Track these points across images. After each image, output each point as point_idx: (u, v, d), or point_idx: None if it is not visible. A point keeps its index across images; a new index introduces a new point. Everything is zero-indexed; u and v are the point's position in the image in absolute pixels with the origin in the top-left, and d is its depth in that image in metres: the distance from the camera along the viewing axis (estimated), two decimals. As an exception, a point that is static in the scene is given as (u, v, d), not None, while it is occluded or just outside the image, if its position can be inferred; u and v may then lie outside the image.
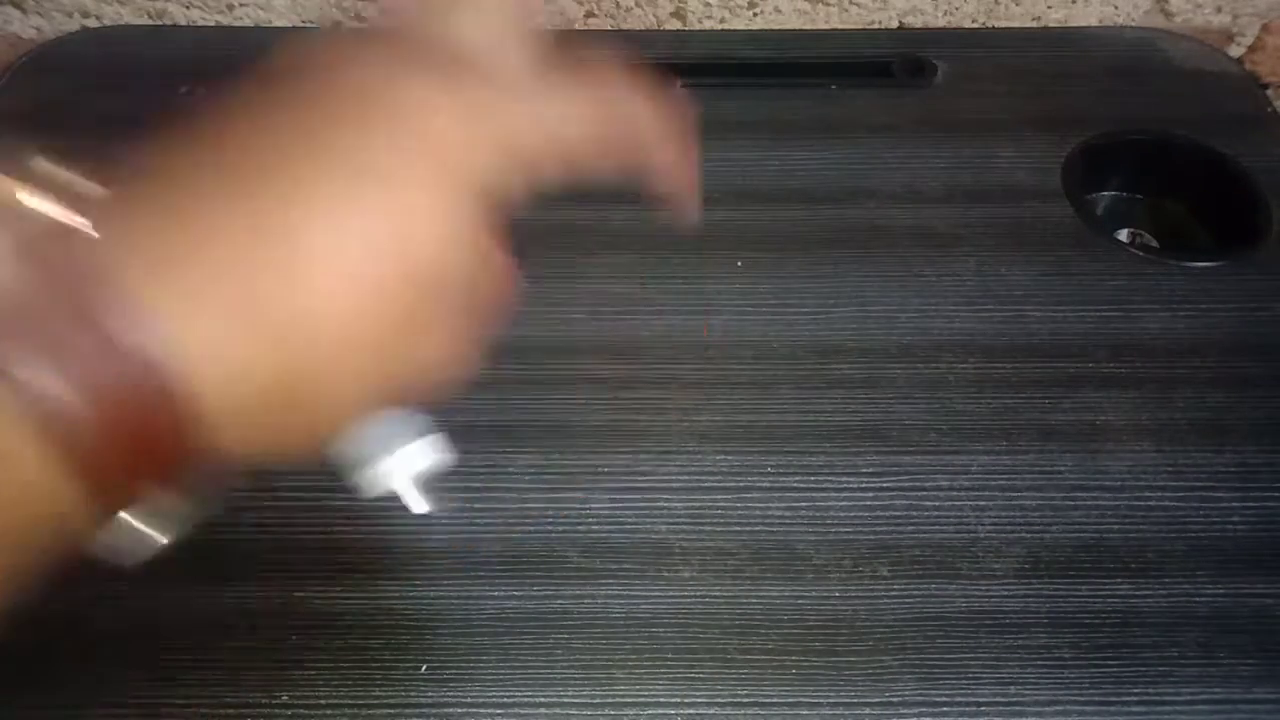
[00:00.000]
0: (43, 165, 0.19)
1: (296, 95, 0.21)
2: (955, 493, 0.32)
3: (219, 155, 0.20)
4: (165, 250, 0.18)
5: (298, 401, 0.19)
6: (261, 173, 0.19)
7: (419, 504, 0.25)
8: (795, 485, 0.33)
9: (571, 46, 0.24)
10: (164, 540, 0.19)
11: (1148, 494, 0.32)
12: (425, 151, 0.20)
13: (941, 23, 0.50)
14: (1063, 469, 0.33)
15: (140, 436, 0.17)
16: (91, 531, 0.18)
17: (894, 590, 0.30)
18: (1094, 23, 0.50)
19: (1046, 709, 0.28)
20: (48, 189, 0.18)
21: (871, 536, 0.31)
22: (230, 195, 0.19)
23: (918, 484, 0.33)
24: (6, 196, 0.18)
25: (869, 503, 0.32)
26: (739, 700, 0.28)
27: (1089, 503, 0.32)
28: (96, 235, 0.18)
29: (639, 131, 0.24)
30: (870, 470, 0.33)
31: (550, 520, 0.32)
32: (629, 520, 0.32)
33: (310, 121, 0.20)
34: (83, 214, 0.18)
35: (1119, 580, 0.31)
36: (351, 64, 0.21)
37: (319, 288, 0.19)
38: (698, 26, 0.50)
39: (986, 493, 0.32)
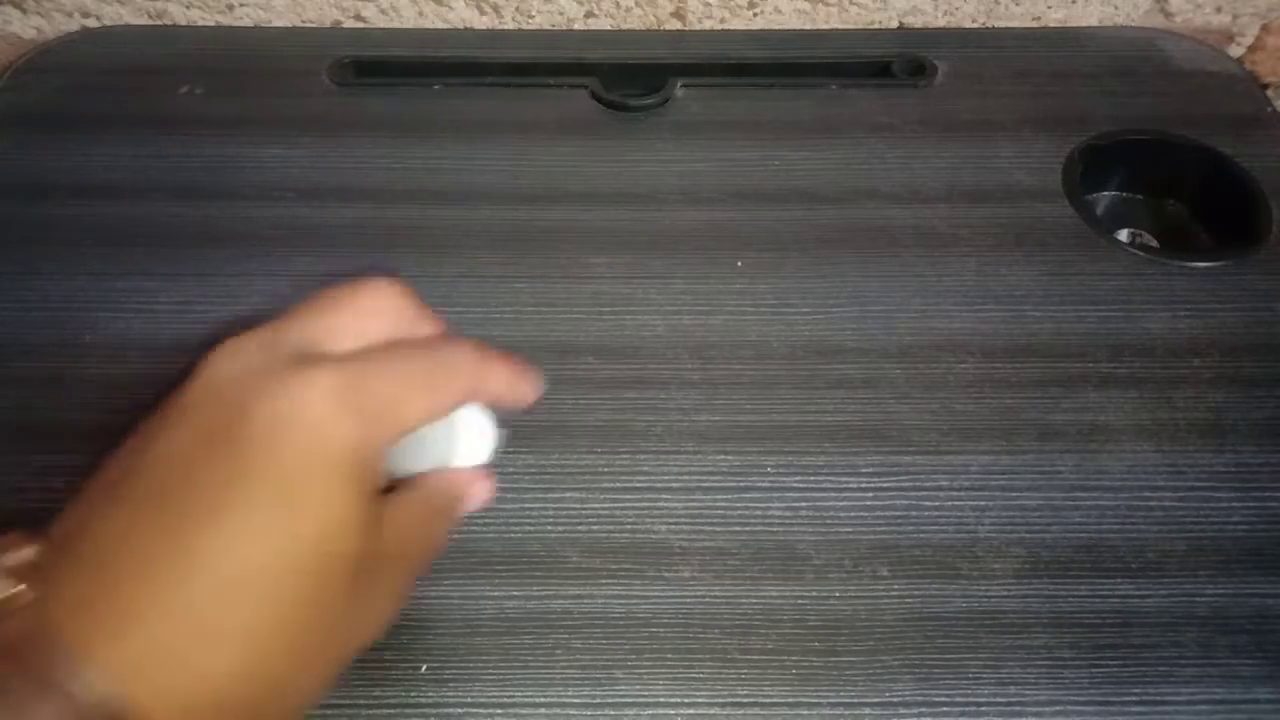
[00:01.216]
0: None
1: (207, 429, 0.21)
2: (955, 493, 0.32)
3: (128, 496, 0.21)
4: (102, 604, 0.19)
5: (250, 701, 0.20)
6: (170, 505, 0.20)
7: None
8: (795, 485, 0.33)
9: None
10: None
11: (1148, 494, 0.32)
12: (303, 451, 0.21)
13: (941, 23, 0.50)
14: (1063, 469, 0.33)
15: None
16: None
17: (894, 590, 0.30)
18: (1094, 23, 0.50)
19: (1046, 709, 0.28)
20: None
21: (871, 536, 0.31)
22: (145, 535, 0.20)
23: (918, 484, 0.33)
24: None
25: (869, 503, 0.32)
26: (739, 700, 0.28)
27: (1089, 503, 0.32)
28: (35, 601, 0.19)
29: (466, 371, 0.25)
30: (870, 470, 0.33)
31: (550, 520, 0.32)
32: (629, 520, 0.32)
33: (220, 455, 0.21)
34: (21, 581, 0.19)
35: (1119, 580, 0.31)
36: (249, 383, 0.22)
37: (238, 598, 0.20)
38: (698, 26, 0.50)
39: (986, 493, 0.32)
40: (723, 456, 0.33)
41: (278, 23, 0.49)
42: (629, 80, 0.46)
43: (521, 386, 0.26)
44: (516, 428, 0.34)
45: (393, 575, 0.24)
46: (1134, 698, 0.28)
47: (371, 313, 0.24)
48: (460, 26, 0.50)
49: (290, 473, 0.20)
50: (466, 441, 0.26)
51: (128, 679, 0.18)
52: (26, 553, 0.20)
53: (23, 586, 0.19)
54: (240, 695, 0.20)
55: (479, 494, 0.27)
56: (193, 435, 0.21)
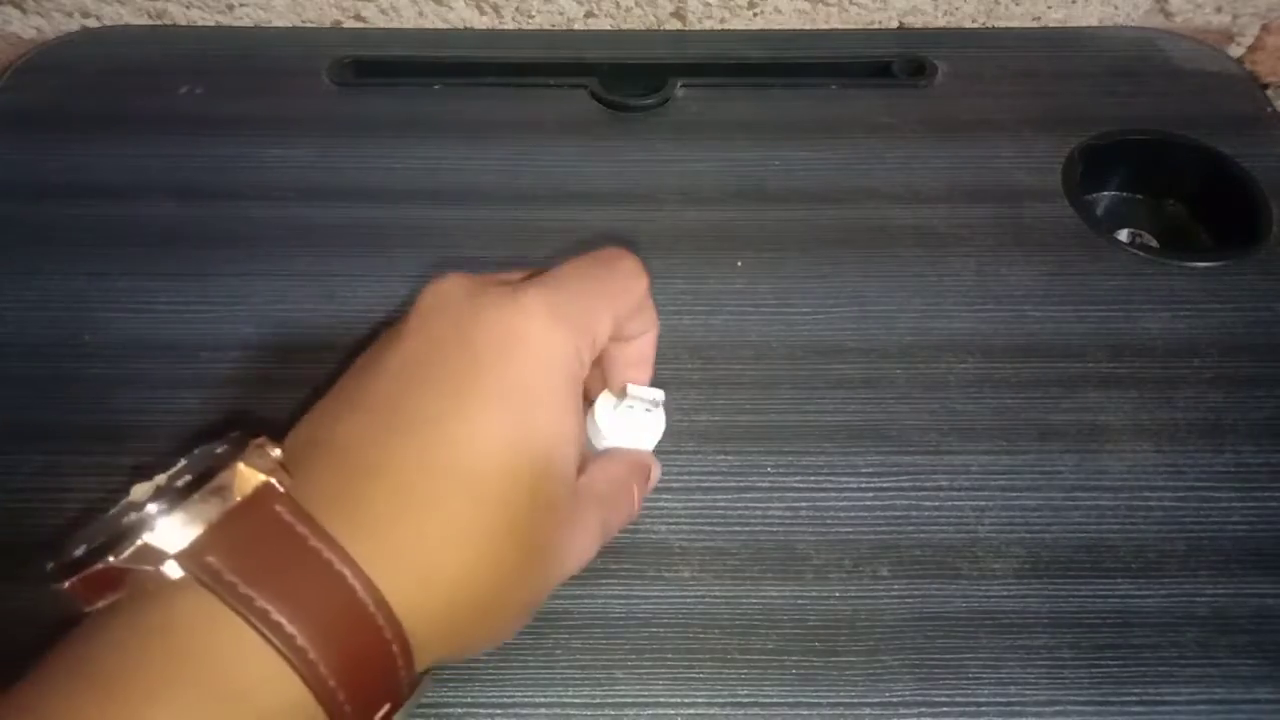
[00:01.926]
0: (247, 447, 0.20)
1: (439, 338, 0.23)
2: (955, 493, 0.32)
3: (364, 403, 0.22)
4: (350, 499, 0.20)
5: (479, 607, 0.21)
6: (408, 407, 0.21)
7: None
8: (795, 485, 0.33)
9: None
10: None
11: (1148, 494, 0.32)
12: (532, 363, 0.22)
13: (941, 23, 0.50)
14: (1063, 469, 0.33)
15: (366, 668, 0.19)
16: None
17: (894, 590, 0.30)
18: (1094, 23, 0.50)
19: (1046, 709, 0.28)
20: (254, 463, 0.20)
21: (871, 536, 0.31)
22: (386, 435, 0.21)
23: (918, 484, 0.33)
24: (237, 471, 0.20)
25: (869, 503, 0.32)
26: (739, 700, 0.28)
27: (1089, 503, 0.32)
28: (294, 495, 0.20)
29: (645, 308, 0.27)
30: (870, 470, 0.33)
31: (550, 520, 0.32)
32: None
33: (454, 360, 0.22)
34: (276, 475, 0.20)
35: (1119, 580, 0.31)
36: (469, 303, 0.23)
37: (481, 493, 0.20)
38: (698, 26, 0.50)
39: (986, 493, 0.32)
40: (723, 456, 0.33)
41: (278, 23, 0.49)
42: (629, 80, 0.46)
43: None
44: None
45: (598, 515, 0.25)
46: (1134, 698, 0.28)
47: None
48: (460, 26, 0.50)
49: (523, 379, 0.22)
50: (648, 427, 0.30)
51: (375, 571, 0.19)
52: (274, 450, 0.21)
53: (274, 479, 0.20)
54: (470, 595, 0.20)
55: (657, 474, 0.30)
56: (425, 345, 0.22)
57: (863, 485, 0.33)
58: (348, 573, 0.19)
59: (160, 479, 0.20)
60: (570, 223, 0.40)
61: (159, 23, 0.49)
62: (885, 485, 0.33)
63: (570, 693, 0.28)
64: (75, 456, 0.33)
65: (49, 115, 0.44)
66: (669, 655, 0.29)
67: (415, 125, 0.44)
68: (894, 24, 0.50)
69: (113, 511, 0.20)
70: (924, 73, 0.46)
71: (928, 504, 0.32)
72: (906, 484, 0.33)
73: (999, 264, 0.39)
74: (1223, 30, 0.51)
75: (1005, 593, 0.30)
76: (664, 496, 0.32)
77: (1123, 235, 0.42)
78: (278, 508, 0.19)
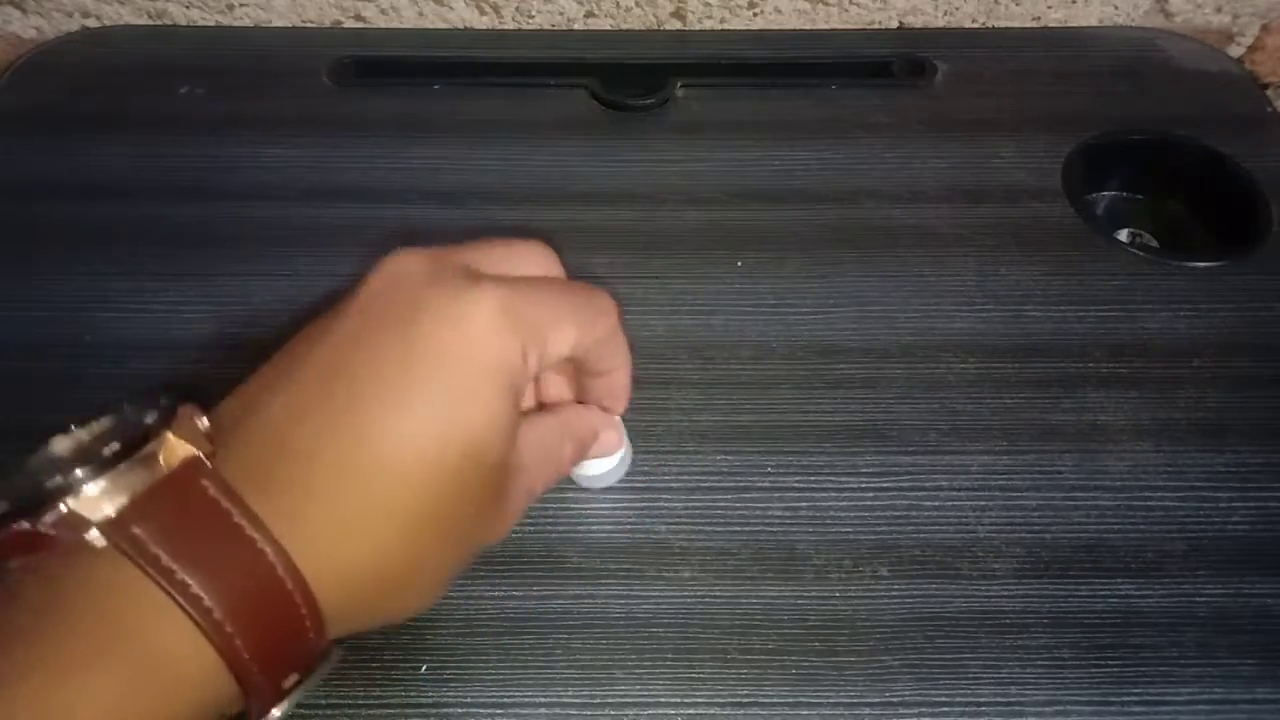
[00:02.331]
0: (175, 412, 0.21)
1: (382, 318, 0.22)
2: (955, 493, 0.32)
3: (301, 377, 0.22)
4: (280, 475, 0.20)
5: (393, 583, 0.22)
6: (344, 384, 0.21)
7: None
8: (795, 485, 0.33)
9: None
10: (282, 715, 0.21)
11: (1148, 494, 0.32)
12: (472, 354, 0.22)
13: (941, 23, 0.50)
14: (1063, 469, 0.33)
15: (280, 641, 0.19)
16: None
17: (894, 590, 0.30)
18: (1094, 23, 0.50)
19: (1046, 709, 0.28)
20: (182, 433, 0.20)
21: (871, 536, 0.31)
22: (320, 411, 0.21)
23: (918, 484, 0.33)
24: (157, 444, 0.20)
25: (869, 503, 0.32)
26: (739, 700, 0.28)
27: (1089, 503, 0.32)
28: (216, 465, 0.20)
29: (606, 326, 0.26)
30: (870, 470, 0.33)
31: (550, 520, 0.32)
32: (629, 520, 0.32)
33: (392, 345, 0.22)
34: (204, 449, 0.20)
35: (1119, 580, 0.30)
36: (421, 284, 0.23)
37: (403, 479, 0.21)
38: (698, 26, 0.50)
39: (986, 493, 0.32)
40: (723, 456, 0.33)
41: (278, 23, 0.49)
42: (629, 80, 0.46)
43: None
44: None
45: (520, 485, 0.25)
46: (1134, 698, 0.28)
47: (526, 256, 0.26)
48: (460, 26, 0.50)
49: (460, 374, 0.22)
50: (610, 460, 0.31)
51: (294, 549, 0.19)
52: (202, 420, 0.21)
53: (202, 453, 0.20)
54: (390, 573, 0.21)
55: (611, 440, 0.29)
56: (366, 324, 0.22)
57: (863, 485, 0.33)
58: (269, 551, 0.19)
59: (81, 434, 0.20)
60: (570, 223, 0.40)
61: (159, 23, 0.49)
62: (885, 485, 0.33)
63: (570, 693, 0.28)
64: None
65: (49, 115, 0.44)
66: (669, 655, 0.29)
67: (415, 125, 0.44)
68: (894, 24, 0.50)
69: (30, 464, 0.20)
70: (924, 73, 0.46)
71: (928, 504, 0.32)
72: (906, 484, 0.33)
73: (999, 264, 0.39)
74: (1223, 30, 0.51)
75: (1005, 593, 0.30)
76: (664, 496, 0.32)
77: (1123, 235, 0.42)
78: (204, 482, 0.19)
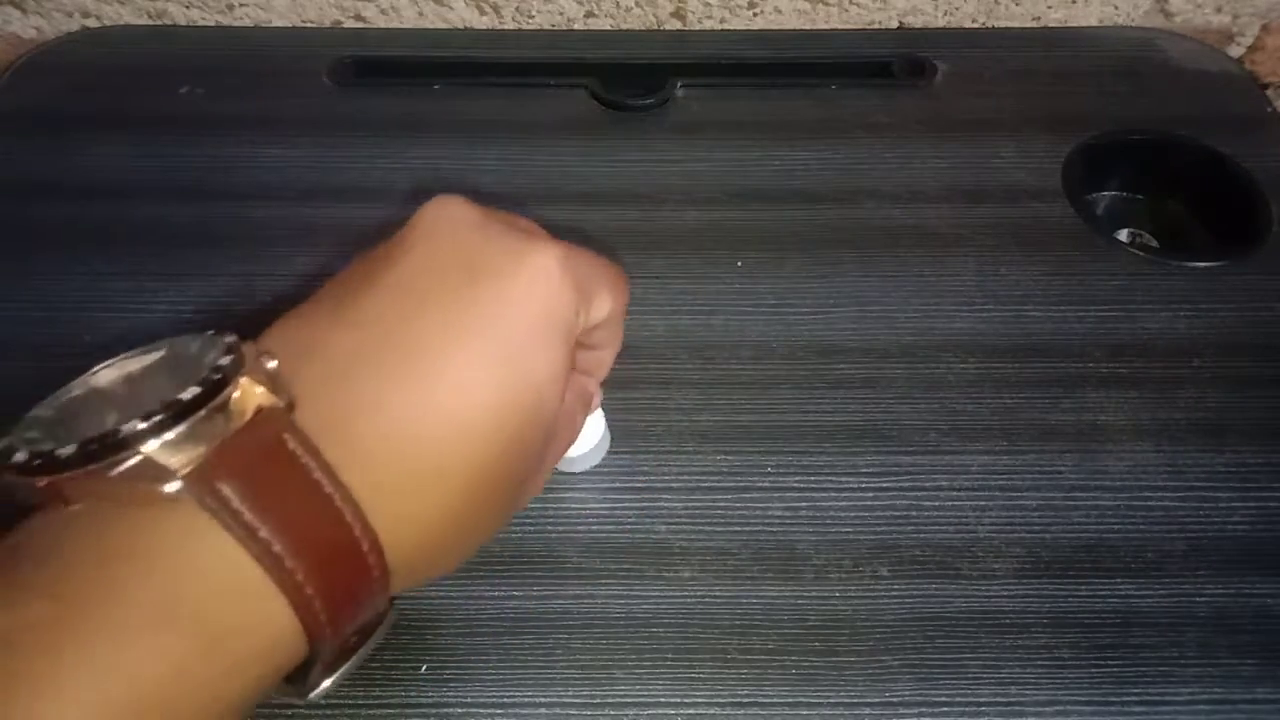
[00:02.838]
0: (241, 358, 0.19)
1: (441, 258, 0.22)
2: (955, 493, 0.32)
3: (359, 320, 0.21)
4: (343, 427, 0.19)
5: (452, 540, 0.21)
6: (406, 331, 0.21)
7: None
8: (795, 485, 0.33)
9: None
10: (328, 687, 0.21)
11: (1148, 494, 0.32)
12: (535, 307, 0.22)
13: (941, 23, 0.50)
14: (1063, 469, 0.33)
15: (354, 603, 0.19)
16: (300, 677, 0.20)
17: (894, 590, 0.30)
18: (1094, 23, 0.50)
19: (1046, 709, 0.28)
20: (257, 378, 0.19)
21: (871, 536, 0.31)
22: (384, 359, 0.20)
23: (918, 484, 0.33)
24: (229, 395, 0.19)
25: (869, 503, 0.32)
26: (739, 700, 0.28)
27: (1089, 503, 0.32)
28: (283, 412, 0.19)
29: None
30: (870, 470, 0.33)
31: (550, 520, 0.32)
32: (629, 520, 0.32)
33: (454, 285, 0.21)
34: (282, 398, 0.19)
35: (1119, 580, 0.30)
36: (477, 230, 0.23)
37: (469, 431, 0.20)
38: (698, 26, 0.50)
39: (986, 493, 0.32)
40: (723, 456, 0.33)
41: (278, 23, 0.49)
42: (629, 80, 0.46)
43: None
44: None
45: (557, 444, 0.25)
46: (1134, 698, 0.28)
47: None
48: (460, 26, 0.50)
49: (523, 325, 0.21)
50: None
51: (367, 506, 0.19)
52: (271, 362, 0.20)
53: (280, 400, 0.19)
54: (452, 529, 0.21)
55: (598, 400, 0.29)
56: (425, 264, 0.22)
57: (863, 485, 0.33)
58: (347, 511, 0.18)
59: (131, 366, 0.19)
60: (570, 223, 0.40)
61: (159, 23, 0.49)
62: (885, 485, 0.33)
63: (570, 693, 0.28)
64: (75, 456, 0.33)
65: (49, 115, 0.44)
66: (669, 655, 0.29)
67: (415, 125, 0.44)
68: (894, 24, 0.50)
69: (74, 396, 0.19)
70: (924, 73, 0.46)
71: (928, 504, 0.32)
72: (906, 484, 0.33)
73: (999, 264, 0.39)
74: (1223, 30, 0.51)
75: (1005, 593, 0.30)
76: (664, 496, 0.32)
77: (1123, 235, 0.42)
78: (285, 435, 0.18)
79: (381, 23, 0.49)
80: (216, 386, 0.18)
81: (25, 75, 0.46)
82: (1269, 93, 0.51)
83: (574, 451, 0.31)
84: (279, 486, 0.18)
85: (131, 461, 0.17)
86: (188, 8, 0.49)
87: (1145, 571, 0.31)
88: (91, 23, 0.49)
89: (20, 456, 0.17)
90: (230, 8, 0.49)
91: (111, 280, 0.38)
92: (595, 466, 0.33)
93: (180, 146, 0.43)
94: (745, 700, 0.28)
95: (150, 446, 0.17)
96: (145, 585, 0.17)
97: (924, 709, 0.28)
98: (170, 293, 0.38)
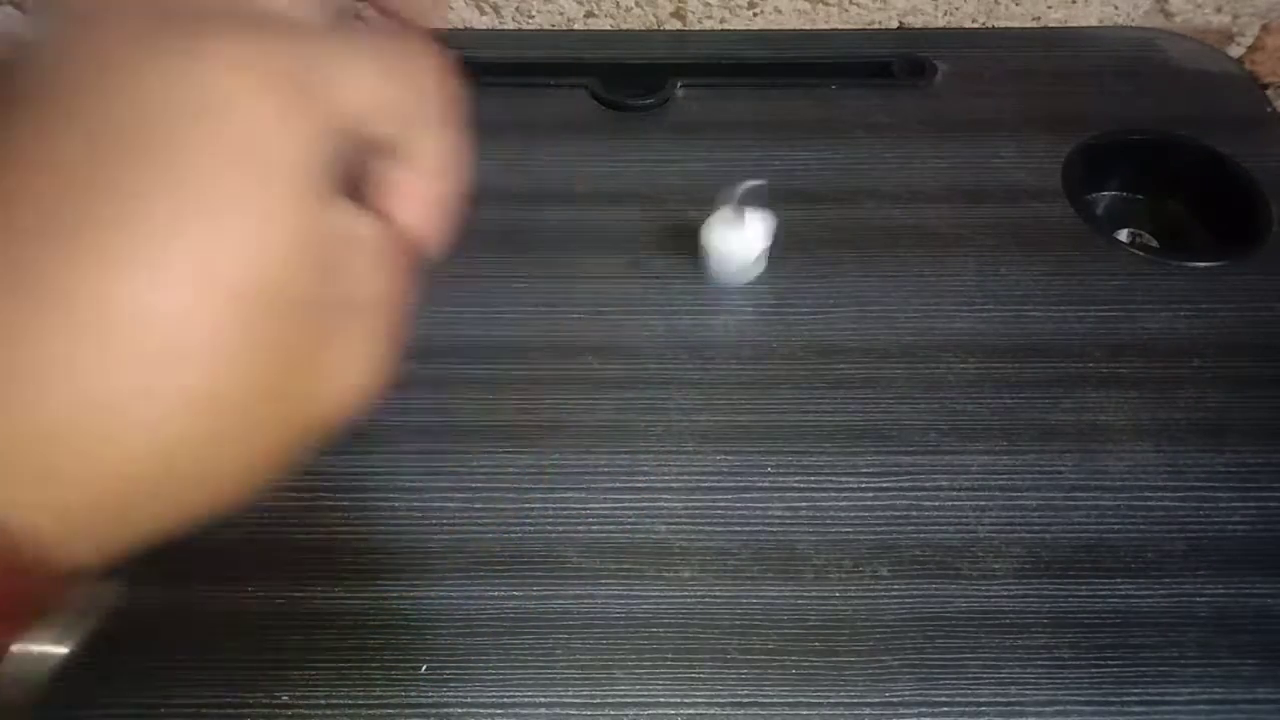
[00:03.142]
0: None
1: (65, 115, 0.14)
2: (955, 493, 0.32)
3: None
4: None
5: (158, 489, 0.16)
6: (61, 239, 0.14)
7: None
8: (795, 485, 0.33)
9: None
10: (62, 652, 0.16)
11: (1148, 494, 0.32)
12: (239, 144, 0.15)
13: (941, 23, 0.50)
14: (1063, 469, 0.33)
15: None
16: None
17: (894, 590, 0.30)
18: (1094, 23, 0.50)
19: (1046, 709, 0.28)
20: None
21: (871, 536, 0.31)
22: (28, 281, 0.14)
23: (918, 484, 0.33)
24: None
25: (869, 503, 0.32)
26: (739, 700, 0.28)
27: (1089, 503, 0.32)
28: None
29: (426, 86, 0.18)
30: (870, 470, 0.33)
31: (550, 520, 0.32)
32: (629, 520, 0.32)
33: (93, 150, 0.14)
34: None
35: (1119, 580, 0.30)
36: (119, 28, 0.15)
37: (171, 366, 0.14)
38: (698, 26, 0.50)
39: (986, 493, 0.32)
40: (723, 456, 0.33)
41: (278, 23, 0.49)
42: (629, 80, 0.46)
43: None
44: (516, 428, 0.34)
45: (355, 324, 0.18)
46: (1134, 698, 0.28)
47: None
48: (460, 26, 0.50)
49: (218, 186, 0.14)
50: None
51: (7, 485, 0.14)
52: None
53: None
54: (155, 481, 0.15)
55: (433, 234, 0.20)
56: (78, 142, 0.14)
57: (863, 485, 0.33)
58: None
59: None
60: (570, 223, 0.40)
61: (159, 23, 0.49)
62: (885, 485, 0.33)
63: (570, 693, 0.28)
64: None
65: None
66: (669, 655, 0.29)
67: (415, 125, 0.44)
68: (894, 24, 0.50)
69: None
70: (924, 73, 0.46)
71: (928, 504, 0.32)
72: (906, 484, 0.33)
73: (999, 264, 0.39)
74: (1223, 30, 0.51)
75: (1005, 593, 0.30)
76: (664, 496, 0.32)
77: (1123, 235, 0.42)
78: None
79: (381, 23, 0.49)
80: None
81: (25, 75, 0.46)
82: (1269, 93, 0.51)
83: (731, 263, 0.31)
84: None
85: None
86: (188, 8, 0.49)
87: (1145, 571, 0.31)
88: (91, 23, 0.49)
89: None
90: (230, 8, 0.49)
91: (111, 280, 0.38)
92: (594, 466, 0.33)
93: (180, 146, 0.43)
94: (745, 700, 0.28)
95: None
96: None
97: (924, 709, 0.28)
98: (170, 293, 0.38)
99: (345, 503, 0.32)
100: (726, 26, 0.50)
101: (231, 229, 0.15)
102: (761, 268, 0.37)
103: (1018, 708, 0.28)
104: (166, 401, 0.15)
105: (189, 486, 0.16)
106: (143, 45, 0.15)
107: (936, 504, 0.32)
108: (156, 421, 0.15)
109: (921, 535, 0.31)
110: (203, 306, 0.14)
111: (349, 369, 0.17)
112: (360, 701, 0.28)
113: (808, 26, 0.50)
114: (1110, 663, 0.29)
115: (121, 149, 0.14)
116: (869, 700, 0.28)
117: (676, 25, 0.50)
